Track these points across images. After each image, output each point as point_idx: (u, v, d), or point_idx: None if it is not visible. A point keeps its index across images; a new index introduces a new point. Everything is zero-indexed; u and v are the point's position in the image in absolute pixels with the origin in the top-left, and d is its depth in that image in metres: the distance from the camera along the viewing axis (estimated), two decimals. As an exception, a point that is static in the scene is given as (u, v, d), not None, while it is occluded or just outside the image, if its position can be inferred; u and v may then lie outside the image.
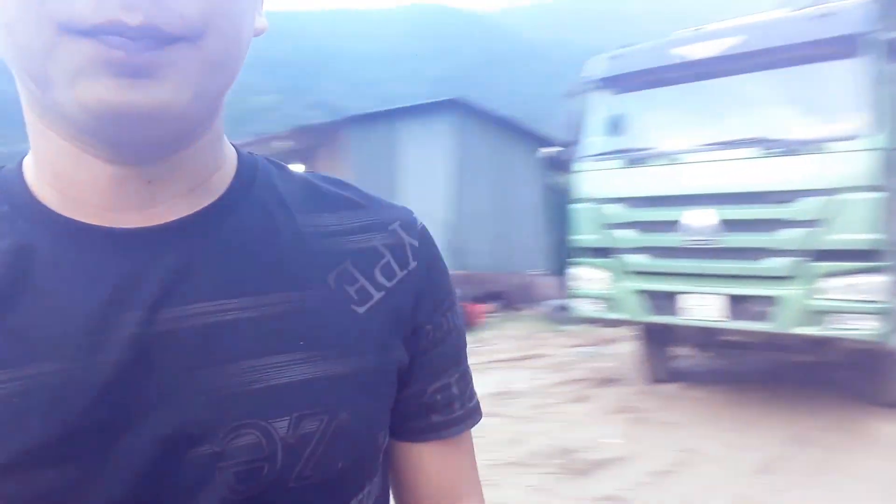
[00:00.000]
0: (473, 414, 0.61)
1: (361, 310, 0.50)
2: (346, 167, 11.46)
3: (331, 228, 0.52)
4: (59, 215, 0.44)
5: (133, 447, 0.41)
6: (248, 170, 0.52)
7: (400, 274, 0.54)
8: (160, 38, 0.36)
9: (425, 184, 11.47)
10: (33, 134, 0.44)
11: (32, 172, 0.46)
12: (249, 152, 0.55)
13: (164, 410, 0.42)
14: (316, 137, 12.15)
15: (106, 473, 0.40)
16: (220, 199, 0.48)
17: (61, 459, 0.40)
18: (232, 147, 0.52)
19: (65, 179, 0.44)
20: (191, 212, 0.46)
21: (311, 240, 0.51)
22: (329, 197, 0.55)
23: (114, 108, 0.36)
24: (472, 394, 0.61)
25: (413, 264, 0.55)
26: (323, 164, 12.88)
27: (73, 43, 0.35)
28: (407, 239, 0.56)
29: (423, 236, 0.58)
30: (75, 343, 0.41)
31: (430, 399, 0.57)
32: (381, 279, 0.53)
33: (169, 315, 0.43)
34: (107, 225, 0.44)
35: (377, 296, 0.52)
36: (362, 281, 0.51)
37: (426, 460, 0.58)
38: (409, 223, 0.57)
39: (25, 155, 0.47)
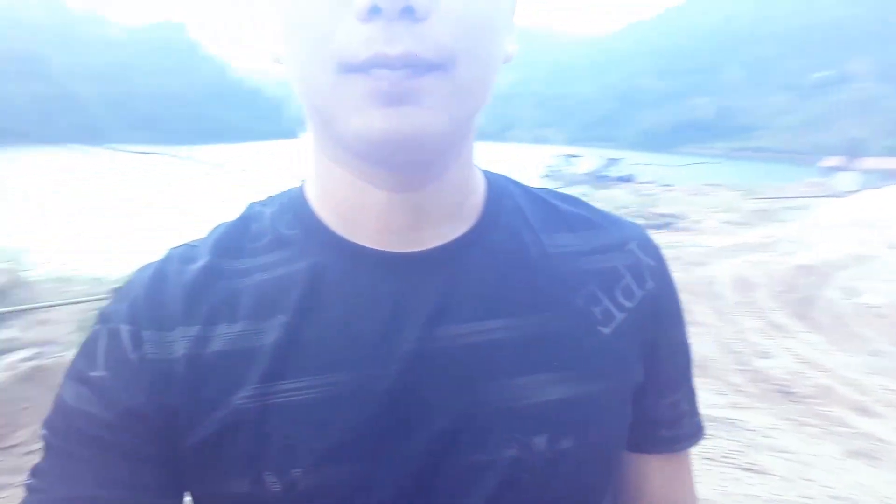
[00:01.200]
0: (699, 431, 0.62)
1: (607, 330, 0.53)
2: None
3: (573, 249, 0.55)
4: (343, 239, 0.50)
5: (412, 449, 0.47)
6: (496, 192, 0.55)
7: (639, 294, 0.55)
8: (418, 67, 0.39)
9: None
10: (317, 166, 0.50)
11: (316, 199, 0.52)
12: (495, 173, 0.59)
13: (440, 419, 0.47)
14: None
15: (388, 470, 0.46)
16: (476, 225, 0.52)
17: (354, 457, 0.46)
18: (478, 169, 0.55)
19: (345, 206, 0.49)
20: (451, 238, 0.50)
21: (556, 261, 0.53)
22: (567, 216, 0.57)
23: (383, 134, 0.40)
24: (697, 410, 0.63)
25: (650, 284, 0.56)
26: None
27: (349, 79, 0.40)
28: (644, 259, 0.57)
29: (658, 255, 0.59)
30: (363, 355, 0.47)
31: (660, 414, 0.59)
32: (622, 300, 0.54)
33: (440, 333, 0.48)
34: (381, 248, 0.49)
35: (620, 316, 0.54)
36: (606, 302, 0.53)
37: (651, 472, 0.61)
38: (645, 242, 0.59)
39: (303, 182, 0.55)
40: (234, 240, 0.51)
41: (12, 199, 23.41)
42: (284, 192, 0.56)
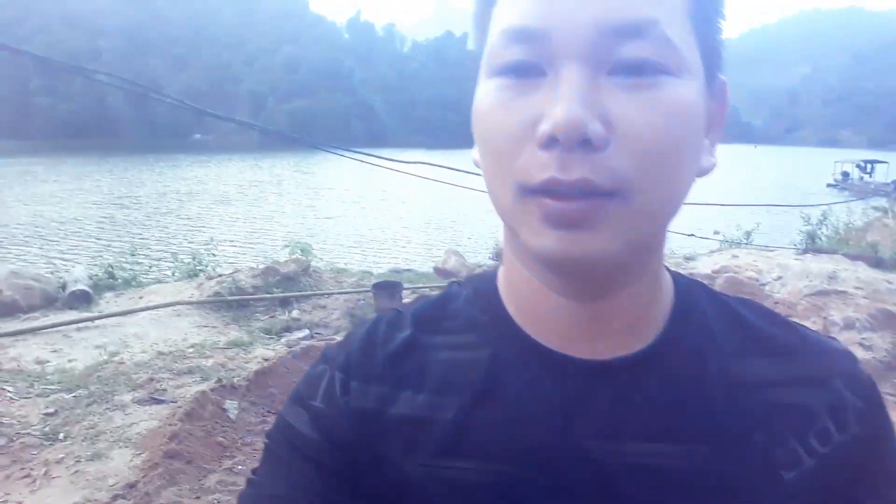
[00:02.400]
0: None
1: (789, 476, 0.48)
2: None
3: (763, 377, 0.51)
4: (526, 335, 0.51)
5: None
6: (683, 305, 0.53)
7: (838, 439, 0.50)
8: (593, 194, 0.40)
9: None
10: (508, 262, 0.53)
11: (504, 290, 0.54)
12: (683, 277, 0.56)
13: None
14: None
15: None
16: (658, 340, 0.50)
17: None
18: (668, 275, 0.54)
19: (528, 304, 0.51)
20: (631, 350, 0.49)
21: (741, 389, 0.50)
22: (760, 337, 0.53)
23: (556, 255, 0.42)
24: None
25: (855, 429, 0.50)
26: None
27: (527, 201, 0.42)
28: (850, 398, 0.51)
29: (870, 395, 0.52)
30: (530, 451, 0.48)
31: None
32: (814, 443, 0.49)
33: (608, 447, 0.48)
34: (561, 350, 0.49)
35: (808, 462, 0.49)
36: (793, 443, 0.49)
37: None
38: (853, 377, 0.52)
39: (497, 268, 0.57)
40: (432, 316, 0.56)
41: (305, 198, 27.75)
42: (480, 275, 0.60)
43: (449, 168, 8.01)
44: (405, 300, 6.71)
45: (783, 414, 0.49)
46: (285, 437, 0.54)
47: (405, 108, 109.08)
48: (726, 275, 8.65)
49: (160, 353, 5.17)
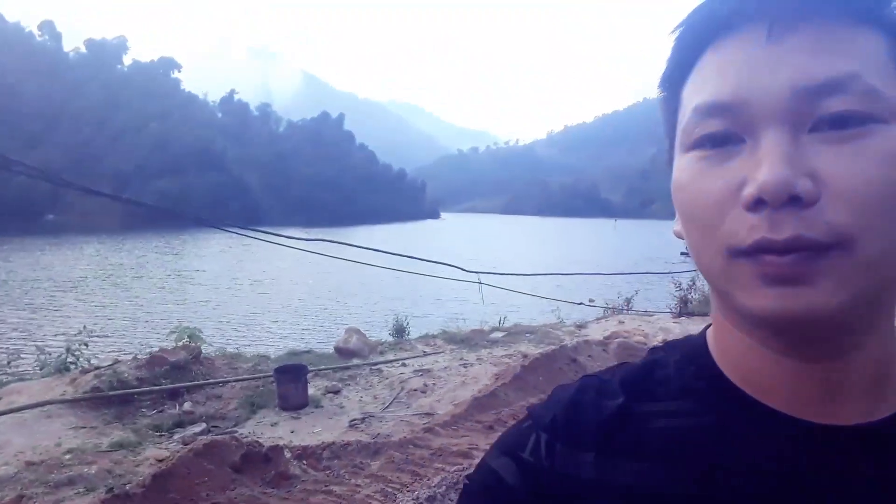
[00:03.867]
0: None
1: None
2: None
3: None
4: (752, 399, 0.48)
5: None
6: None
7: None
8: (809, 248, 0.39)
9: None
10: (719, 326, 0.51)
11: (718, 354, 0.51)
12: None
13: None
14: None
15: None
16: None
17: None
18: None
19: (746, 366, 0.48)
20: (875, 416, 0.46)
21: None
22: None
23: (777, 314, 0.41)
24: None
25: None
26: None
27: (738, 264, 0.42)
28: None
29: None
30: None
31: None
32: None
33: None
34: (792, 414, 0.46)
35: None
36: None
37: None
38: None
39: (703, 333, 0.55)
40: (642, 383, 0.53)
41: (178, 280, 26.19)
42: (684, 340, 0.57)
43: (350, 245, 7.91)
44: (310, 384, 6.37)
45: None
46: (488, 484, 0.52)
47: (281, 187, 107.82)
48: (617, 340, 9.08)
49: (29, 464, 4.47)
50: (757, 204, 0.40)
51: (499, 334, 9.52)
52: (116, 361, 6.70)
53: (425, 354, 8.23)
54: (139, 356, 6.94)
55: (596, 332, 9.98)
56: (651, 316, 11.89)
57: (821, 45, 0.41)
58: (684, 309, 12.07)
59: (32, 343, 11.27)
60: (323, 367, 7.32)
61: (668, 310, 12.52)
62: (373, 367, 7.48)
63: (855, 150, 0.40)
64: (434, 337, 9.37)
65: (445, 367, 7.54)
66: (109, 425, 5.43)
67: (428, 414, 6.10)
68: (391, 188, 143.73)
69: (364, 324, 11.40)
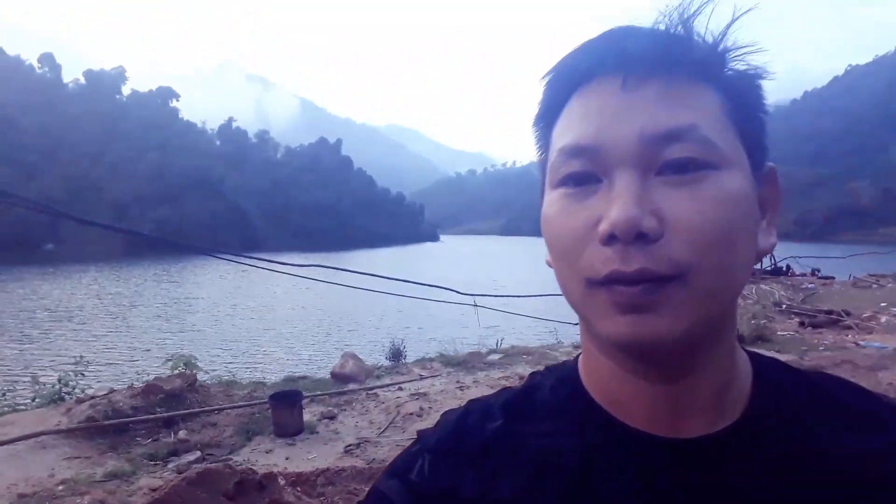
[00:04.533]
0: None
1: None
2: None
3: (853, 452, 0.51)
4: (612, 418, 0.53)
5: None
6: (763, 379, 0.55)
7: None
8: (653, 280, 0.44)
9: None
10: (586, 351, 0.56)
11: (586, 378, 0.57)
12: (758, 354, 0.58)
13: None
14: None
15: None
16: (742, 417, 0.52)
17: None
18: (745, 354, 0.56)
19: (610, 389, 0.54)
20: (713, 430, 0.51)
21: (832, 465, 0.50)
22: (850, 411, 0.54)
23: (627, 338, 0.46)
24: None
25: None
26: None
27: (594, 292, 0.47)
28: None
29: None
30: None
31: None
32: None
33: None
34: (648, 431, 0.51)
35: None
36: None
37: None
38: None
39: (578, 355, 0.60)
40: (521, 406, 0.58)
41: (175, 308, 26.11)
42: (561, 365, 0.62)
43: (346, 270, 7.95)
44: (305, 410, 6.35)
45: (878, 490, 0.49)
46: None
47: (279, 213, 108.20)
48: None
49: (22, 496, 4.45)
50: (610, 239, 0.45)
51: (496, 356, 9.50)
52: (112, 391, 6.68)
53: (421, 378, 8.21)
54: (134, 385, 6.92)
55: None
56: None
57: (666, 99, 0.46)
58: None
59: (27, 373, 11.23)
60: (319, 392, 7.30)
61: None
62: (369, 392, 7.46)
63: (692, 193, 0.45)
64: (431, 360, 9.35)
65: (442, 391, 7.52)
66: (104, 455, 5.40)
67: (424, 438, 6.07)
68: (390, 212, 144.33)
69: (360, 348, 11.38)
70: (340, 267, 7.91)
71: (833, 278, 27.85)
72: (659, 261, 0.44)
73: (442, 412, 0.64)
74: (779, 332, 13.42)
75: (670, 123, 0.46)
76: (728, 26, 0.49)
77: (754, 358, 0.57)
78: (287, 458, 5.41)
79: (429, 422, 6.61)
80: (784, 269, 32.46)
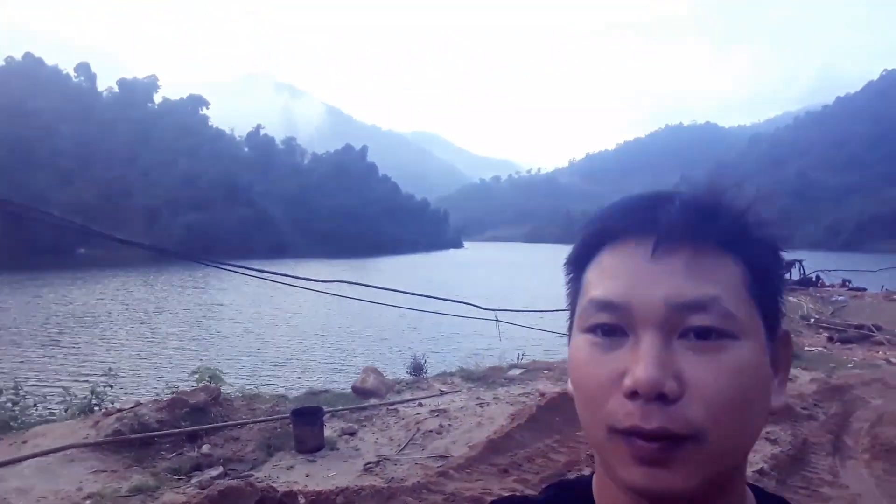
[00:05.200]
0: None
1: None
2: None
3: None
4: None
5: None
6: None
7: None
8: (670, 439, 0.48)
9: None
10: (600, 479, 0.60)
11: (598, 498, 0.61)
12: (766, 492, 0.63)
13: None
14: None
15: None
16: None
17: None
18: (751, 492, 0.60)
19: None
20: None
21: None
22: None
23: (642, 488, 0.50)
24: None
25: None
26: None
27: (615, 440, 0.50)
28: None
29: None
30: None
31: None
32: None
33: None
34: None
35: None
36: None
37: None
38: None
39: (592, 473, 0.65)
40: None
41: (201, 316, 26.43)
42: (575, 482, 0.67)
43: (367, 285, 8.03)
44: (326, 425, 6.43)
45: None
46: None
47: (306, 219, 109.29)
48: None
49: (51, 510, 4.58)
50: (633, 394, 0.49)
51: (517, 371, 9.50)
52: (138, 404, 6.83)
53: (442, 394, 8.25)
54: (160, 398, 7.07)
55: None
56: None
57: (692, 271, 0.51)
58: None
59: (56, 381, 11.50)
60: (339, 407, 7.38)
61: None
62: (389, 408, 7.52)
63: (711, 360, 0.49)
64: (451, 375, 9.38)
65: (462, 407, 7.54)
66: (129, 468, 5.53)
67: (443, 456, 6.10)
68: (414, 218, 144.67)
69: (382, 361, 11.45)
70: (362, 282, 7.99)
71: (865, 290, 27.17)
72: (676, 421, 0.48)
73: None
74: (806, 348, 13.12)
75: (695, 295, 0.50)
76: (752, 203, 0.53)
77: (761, 496, 0.61)
78: (307, 476, 5.48)
79: (448, 439, 6.65)
80: (813, 279, 31.78)
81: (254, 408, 7.30)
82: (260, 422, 6.75)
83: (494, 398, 7.97)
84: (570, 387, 0.60)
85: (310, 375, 13.21)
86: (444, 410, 7.40)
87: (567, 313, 0.61)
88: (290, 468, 5.67)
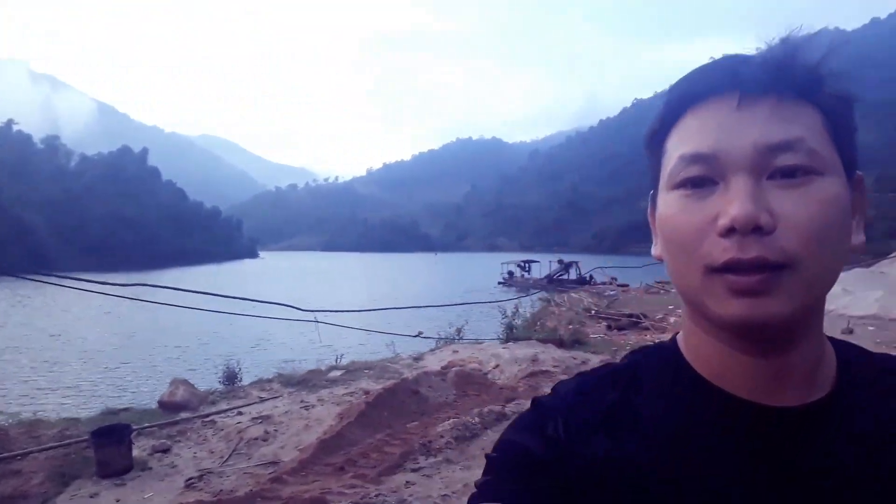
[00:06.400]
0: None
1: None
2: None
3: None
4: (717, 387, 0.59)
5: None
6: (844, 357, 0.63)
7: None
8: (767, 268, 0.51)
9: None
10: (689, 332, 0.62)
11: (690, 355, 0.63)
12: (841, 341, 0.66)
13: None
14: None
15: None
16: (834, 390, 0.59)
17: None
18: (827, 339, 0.63)
19: (713, 363, 0.60)
20: (808, 400, 0.58)
21: None
22: None
23: (743, 319, 0.52)
24: None
25: None
26: None
27: (713, 279, 0.53)
28: None
29: None
30: (744, 498, 0.55)
31: None
32: None
33: (823, 487, 0.55)
34: (749, 399, 0.58)
35: None
36: None
37: None
38: None
39: (674, 336, 0.67)
40: (631, 380, 0.64)
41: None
42: (658, 346, 0.68)
43: (174, 288, 7.29)
44: (134, 444, 5.71)
45: None
46: (515, 453, 0.59)
47: (74, 227, 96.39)
48: (454, 368, 9.34)
49: None
50: (729, 231, 0.51)
51: (337, 373, 9.33)
52: None
53: (262, 400, 7.80)
54: None
55: (433, 363, 10.18)
56: (481, 343, 12.41)
57: (776, 115, 0.54)
58: (510, 334, 12.75)
59: None
60: (147, 424, 6.61)
61: (496, 336, 13.15)
62: (205, 420, 6.93)
63: (800, 194, 0.52)
64: (269, 381, 8.92)
65: (286, 412, 7.21)
66: None
67: (273, 462, 5.78)
68: (203, 227, 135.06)
69: (190, 373, 10.51)
70: (168, 286, 7.27)
71: (628, 285, 31.44)
72: (773, 250, 0.51)
73: (555, 385, 0.68)
74: (591, 335, 14.80)
75: (782, 136, 0.53)
76: (826, 55, 0.56)
77: (833, 340, 0.65)
78: (118, 501, 4.83)
79: (276, 445, 6.32)
80: (588, 278, 36.04)
81: (36, 435, 6.24)
82: (47, 449, 5.80)
83: (319, 400, 7.74)
84: (655, 251, 0.63)
85: (105, 394, 11.66)
86: (268, 417, 7.01)
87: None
88: (94, 496, 4.95)
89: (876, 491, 0.55)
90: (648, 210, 0.65)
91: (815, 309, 0.56)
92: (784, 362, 0.57)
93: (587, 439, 0.60)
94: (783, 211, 0.52)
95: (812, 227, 0.52)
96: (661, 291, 27.53)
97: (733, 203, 0.51)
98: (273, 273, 78.04)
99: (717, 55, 0.59)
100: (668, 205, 0.58)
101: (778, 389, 0.57)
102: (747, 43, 0.61)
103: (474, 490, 0.60)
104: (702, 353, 0.61)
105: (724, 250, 0.52)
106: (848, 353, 0.64)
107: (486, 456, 0.62)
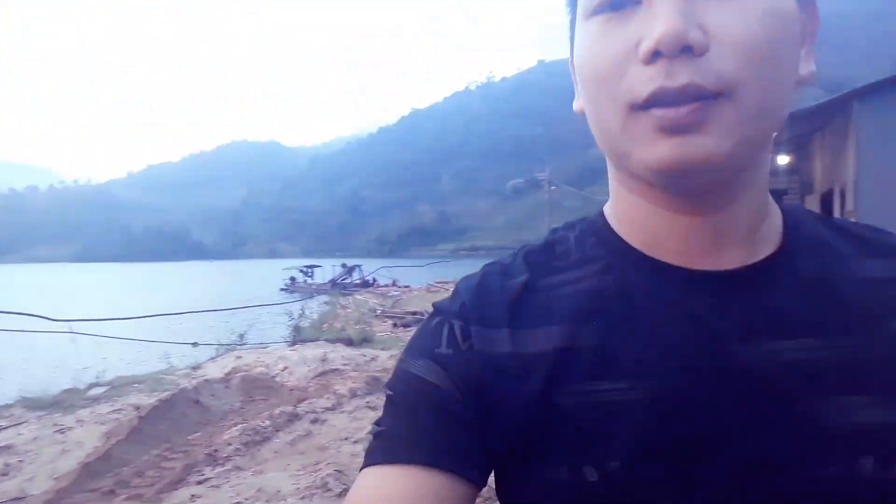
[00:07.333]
0: None
1: None
2: (850, 156, 9.00)
3: (883, 274, 0.53)
4: (649, 256, 0.53)
5: (723, 461, 0.48)
6: (793, 219, 0.56)
7: None
8: (699, 97, 0.42)
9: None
10: (616, 197, 0.56)
11: (617, 223, 0.56)
12: (795, 205, 0.59)
13: (754, 435, 0.48)
14: (809, 122, 9.76)
15: (701, 475, 0.48)
16: (780, 249, 0.53)
17: (669, 458, 0.48)
18: (772, 199, 0.56)
19: (646, 229, 0.53)
20: (753, 260, 0.51)
21: (866, 286, 0.52)
22: (874, 242, 0.55)
23: (670, 162, 0.44)
24: None
25: None
26: (819, 156, 10.41)
27: (637, 116, 0.44)
28: None
29: None
30: (676, 365, 0.49)
31: None
32: None
33: (747, 351, 0.48)
34: (685, 266, 0.51)
35: None
36: None
37: None
38: None
39: (602, 207, 0.60)
40: (543, 259, 0.58)
41: None
42: (582, 218, 0.61)
43: None
44: None
45: None
46: (412, 388, 0.54)
47: None
48: (239, 374, 8.80)
49: None
50: (654, 56, 0.43)
51: (100, 390, 8.24)
52: None
53: (0, 429, 6.57)
54: None
55: (214, 371, 9.50)
56: (267, 347, 11.92)
57: None
58: (298, 336, 12.43)
59: None
60: None
61: (283, 339, 12.73)
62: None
63: (739, 5, 0.43)
64: (9, 407, 7.55)
65: (34, 438, 6.15)
66: None
67: (17, 499, 4.88)
68: None
69: None
70: None
71: (409, 286, 32.71)
72: (706, 75, 0.42)
73: (458, 281, 0.60)
74: (378, 334, 15.07)
75: None
76: None
77: (778, 200, 0.58)
78: None
79: (21, 478, 5.34)
80: (371, 281, 36.77)
81: None
82: None
83: (78, 421, 6.74)
84: (577, 104, 0.55)
85: None
86: (8, 447, 5.91)
87: None
88: None
89: (828, 346, 0.49)
90: (570, 62, 0.55)
91: (758, 150, 0.48)
92: (722, 219, 0.50)
93: (490, 337, 0.53)
94: (718, 26, 0.43)
95: (753, 45, 0.43)
96: (443, 290, 29.09)
97: (658, 20, 0.42)
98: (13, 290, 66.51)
99: None
100: (584, 36, 0.49)
101: (716, 252, 0.51)
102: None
103: (370, 434, 0.54)
104: (629, 217, 0.55)
105: (648, 80, 0.43)
106: (795, 211, 0.58)
107: (386, 395, 0.56)
